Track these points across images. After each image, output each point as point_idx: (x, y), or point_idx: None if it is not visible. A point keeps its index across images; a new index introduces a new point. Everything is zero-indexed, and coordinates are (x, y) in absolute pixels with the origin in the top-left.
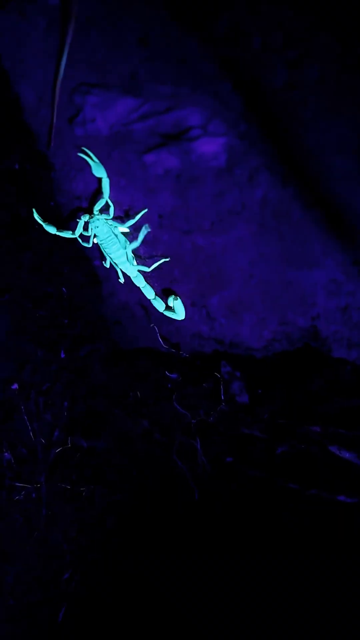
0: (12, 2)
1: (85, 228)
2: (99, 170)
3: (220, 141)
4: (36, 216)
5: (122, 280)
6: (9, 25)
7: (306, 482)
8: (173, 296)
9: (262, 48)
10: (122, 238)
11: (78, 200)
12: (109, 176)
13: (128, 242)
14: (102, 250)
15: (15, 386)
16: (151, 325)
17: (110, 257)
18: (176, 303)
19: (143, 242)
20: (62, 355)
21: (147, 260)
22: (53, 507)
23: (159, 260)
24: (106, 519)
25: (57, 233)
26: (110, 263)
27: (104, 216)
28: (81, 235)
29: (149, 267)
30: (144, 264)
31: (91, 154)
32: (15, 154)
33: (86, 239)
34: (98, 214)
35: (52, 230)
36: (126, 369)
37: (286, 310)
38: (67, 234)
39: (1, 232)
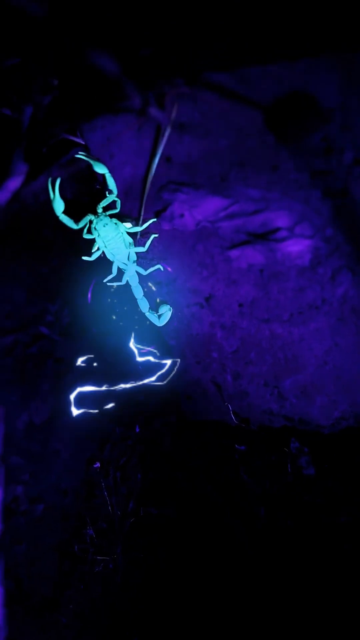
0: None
1: (89, 230)
2: (100, 167)
3: (306, 242)
4: (50, 189)
5: (123, 282)
6: (102, 124)
7: None
8: (169, 306)
9: (353, 162)
10: (128, 239)
11: (158, 285)
12: (191, 267)
13: (133, 245)
14: (107, 252)
15: (97, 465)
16: (225, 403)
17: (116, 258)
18: (167, 312)
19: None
20: (137, 430)
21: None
22: (125, 574)
23: (156, 265)
24: (169, 578)
25: (60, 216)
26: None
27: (109, 214)
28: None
29: (145, 270)
30: (140, 265)
31: (88, 155)
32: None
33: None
34: (102, 212)
35: (59, 210)
36: (195, 439)
37: (357, 394)
38: (69, 222)
39: None
